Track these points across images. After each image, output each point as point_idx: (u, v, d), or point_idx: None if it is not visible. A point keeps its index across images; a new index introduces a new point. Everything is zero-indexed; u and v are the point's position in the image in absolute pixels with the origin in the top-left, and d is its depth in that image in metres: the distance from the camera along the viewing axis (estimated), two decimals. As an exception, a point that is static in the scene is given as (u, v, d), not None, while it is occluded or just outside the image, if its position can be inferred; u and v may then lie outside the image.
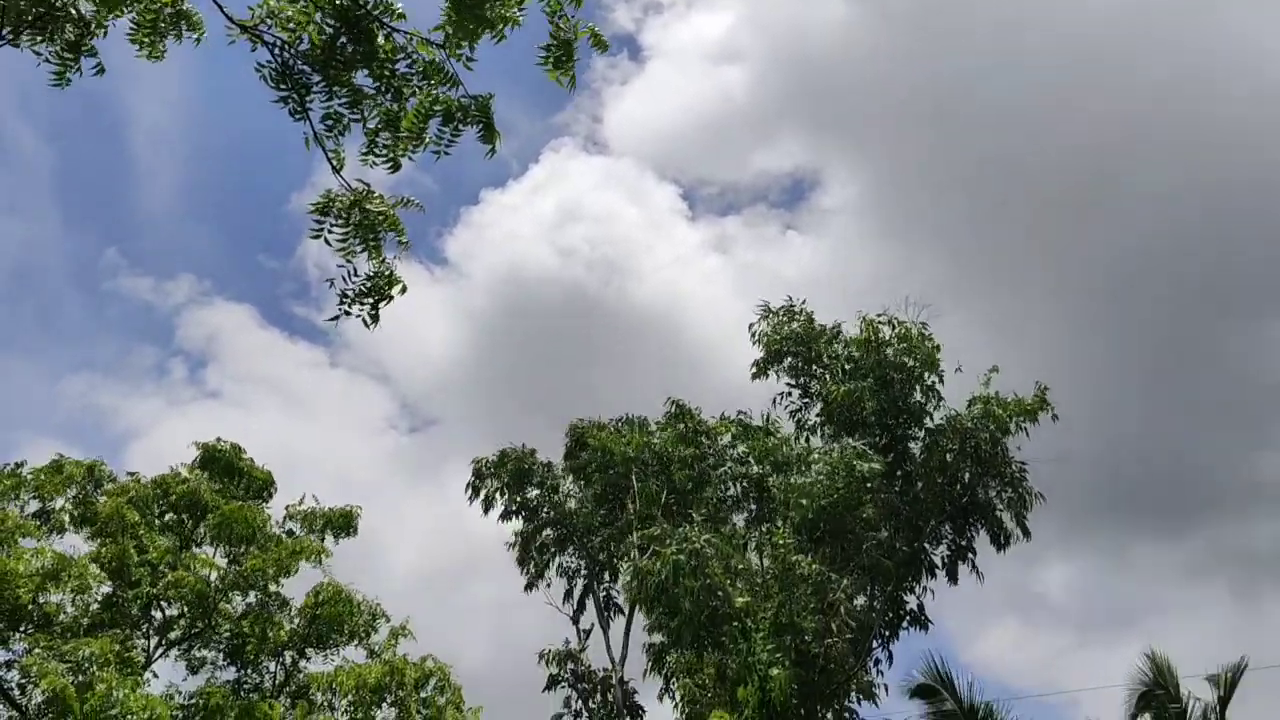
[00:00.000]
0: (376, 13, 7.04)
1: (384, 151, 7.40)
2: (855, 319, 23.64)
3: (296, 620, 24.77)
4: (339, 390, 66.77)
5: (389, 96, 7.23)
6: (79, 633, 20.82)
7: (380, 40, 7.09)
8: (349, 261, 7.41)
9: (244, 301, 74.31)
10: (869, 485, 21.62)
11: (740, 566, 21.28)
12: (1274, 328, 54.12)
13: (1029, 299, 55.64)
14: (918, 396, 22.85)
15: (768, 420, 25.57)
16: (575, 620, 28.04)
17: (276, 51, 7.15)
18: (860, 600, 21.78)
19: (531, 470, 28.17)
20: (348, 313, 7.54)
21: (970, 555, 22.60)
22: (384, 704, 22.47)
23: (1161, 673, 24.00)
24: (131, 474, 23.71)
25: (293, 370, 66.09)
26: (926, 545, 22.50)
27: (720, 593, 20.82)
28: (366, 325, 7.64)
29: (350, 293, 7.47)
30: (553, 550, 28.36)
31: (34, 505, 23.11)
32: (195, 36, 7.21)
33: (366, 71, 7.14)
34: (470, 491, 28.37)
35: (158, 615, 23.39)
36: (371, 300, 7.54)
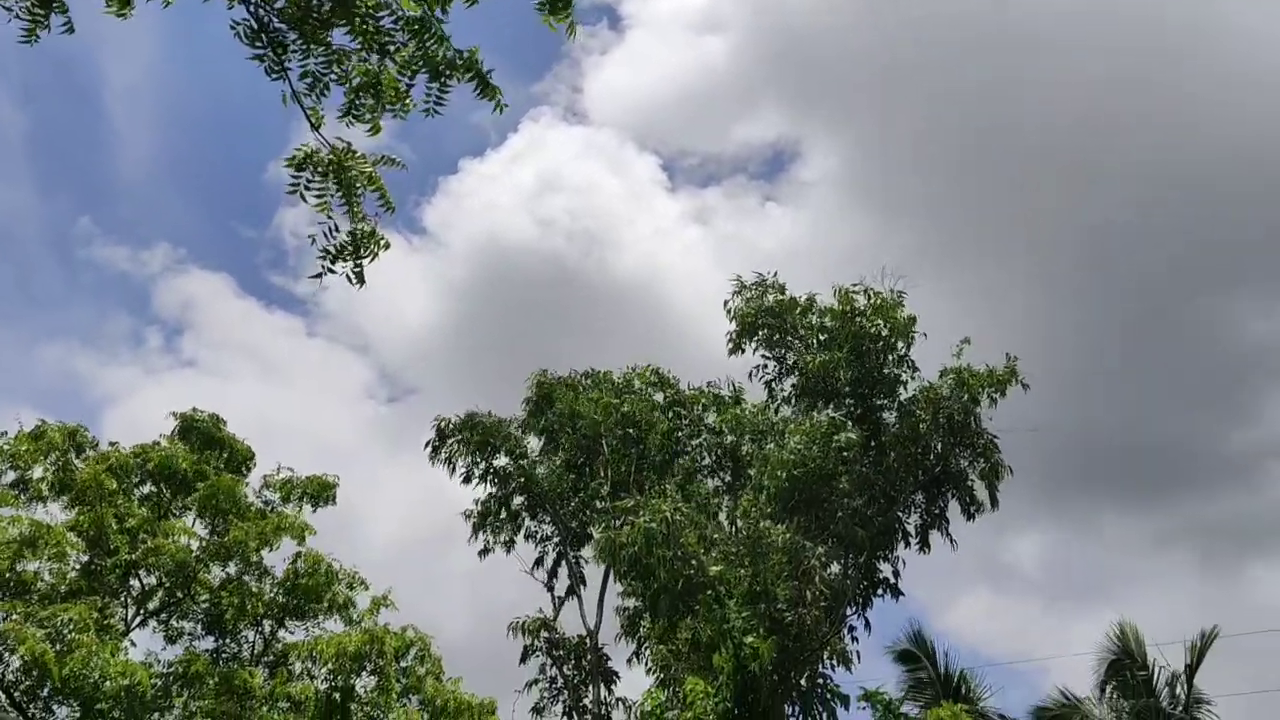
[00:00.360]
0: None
1: (364, 112, 7.25)
2: (831, 290, 23.85)
3: (276, 590, 24.89)
4: (317, 359, 66.73)
5: (373, 55, 7.07)
6: (56, 600, 20.87)
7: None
8: (329, 218, 7.28)
9: (220, 270, 74.09)
10: (845, 456, 21.88)
11: (716, 535, 21.49)
12: (1244, 303, 54.82)
13: (1006, 273, 56.13)
14: (892, 367, 23.10)
15: (736, 391, 25.84)
16: (550, 587, 28.15)
17: (252, 8, 7.00)
18: (834, 568, 22.05)
19: (502, 438, 27.94)
20: (331, 270, 7.41)
21: (943, 524, 22.93)
22: (364, 672, 22.61)
23: (1129, 641, 24.52)
24: (113, 444, 23.75)
25: (270, 339, 65.98)
26: (900, 514, 22.78)
27: (694, 561, 21.01)
28: (352, 283, 7.52)
29: (332, 249, 7.34)
30: (523, 516, 28.27)
31: (10, 476, 23.10)
32: (164, -8, 6.96)
33: (348, 28, 6.98)
34: (430, 450, 28.07)
35: (136, 584, 23.45)
36: (354, 257, 7.42)
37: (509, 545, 28.10)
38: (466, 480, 27.88)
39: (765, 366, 24.63)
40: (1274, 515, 52.77)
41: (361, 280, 7.52)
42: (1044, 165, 54.56)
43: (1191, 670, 23.76)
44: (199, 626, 24.70)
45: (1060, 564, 56.12)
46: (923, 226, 57.73)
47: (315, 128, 7.40)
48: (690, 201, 71.61)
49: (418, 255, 64.73)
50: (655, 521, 21.19)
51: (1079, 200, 54.05)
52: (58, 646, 19.05)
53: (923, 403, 22.36)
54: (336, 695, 22.34)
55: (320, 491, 25.05)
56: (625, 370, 28.93)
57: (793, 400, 23.90)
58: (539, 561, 28.39)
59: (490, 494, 28.12)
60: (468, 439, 27.71)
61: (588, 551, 27.03)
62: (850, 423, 22.45)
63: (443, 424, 28.16)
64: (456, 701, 24.03)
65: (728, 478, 25.22)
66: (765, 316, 24.24)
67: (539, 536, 28.51)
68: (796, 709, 21.62)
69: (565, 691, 26.37)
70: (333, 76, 7.21)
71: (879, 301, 23.01)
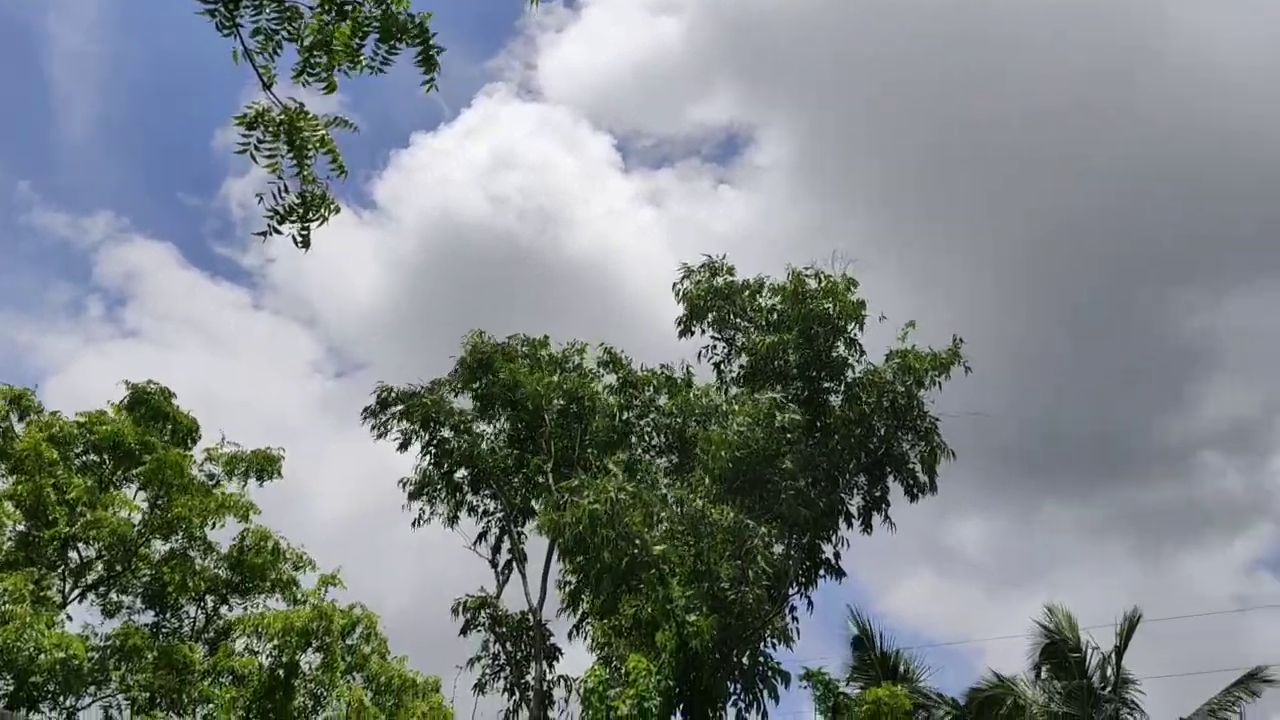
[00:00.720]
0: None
1: (318, 71, 7.11)
2: (785, 272, 24.07)
3: (220, 566, 24.75)
4: (264, 332, 65.91)
5: (330, 13, 6.99)
6: (-8, 571, 20.60)
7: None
8: (279, 179, 7.16)
9: (164, 240, 72.75)
10: (788, 436, 22.13)
11: (663, 514, 21.64)
12: (1186, 296, 56.16)
13: (957, 261, 56.89)
14: (840, 350, 23.39)
15: (688, 373, 26.01)
16: (494, 563, 27.98)
17: (204, -41, 6.83)
18: (778, 549, 22.29)
19: (446, 413, 27.77)
20: (277, 230, 7.28)
21: (884, 506, 23.29)
22: (309, 649, 22.59)
23: (1062, 625, 25.13)
24: (53, 413, 23.41)
25: (215, 311, 64.97)
26: (843, 496, 23.09)
27: (639, 541, 21.13)
28: (297, 245, 7.38)
29: (280, 210, 7.22)
30: (465, 490, 28.14)
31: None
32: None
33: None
34: (369, 417, 27.75)
35: (74, 556, 23.19)
36: (302, 220, 7.30)
37: (453, 520, 27.98)
38: (403, 447, 27.58)
39: (714, 348, 24.88)
40: (1207, 504, 54.28)
41: (307, 244, 7.41)
42: (996, 157, 55.47)
43: (1119, 652, 24.44)
44: (139, 601, 24.50)
45: (1002, 549, 57.36)
46: (875, 214, 58.28)
47: (267, 86, 7.28)
48: (644, 182, 71.65)
49: (368, 229, 64.19)
50: (600, 503, 21.25)
51: (1029, 192, 55.00)
52: (-8, 617, 18.85)
53: (867, 385, 22.67)
54: (280, 671, 22.29)
55: (265, 465, 24.92)
56: (565, 346, 28.93)
57: (740, 381, 24.11)
58: (482, 536, 28.23)
59: (430, 465, 27.90)
60: (409, 411, 27.54)
61: (531, 527, 26.99)
62: (792, 404, 22.65)
63: (384, 393, 27.92)
64: (401, 679, 24.09)
65: (676, 458, 25.37)
66: (714, 299, 24.47)
67: (481, 511, 28.36)
68: (738, 687, 21.87)
69: (508, 668, 26.43)
70: (285, 34, 7.14)
71: (829, 285, 23.29)
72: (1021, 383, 51.01)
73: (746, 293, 24.48)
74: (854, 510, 23.26)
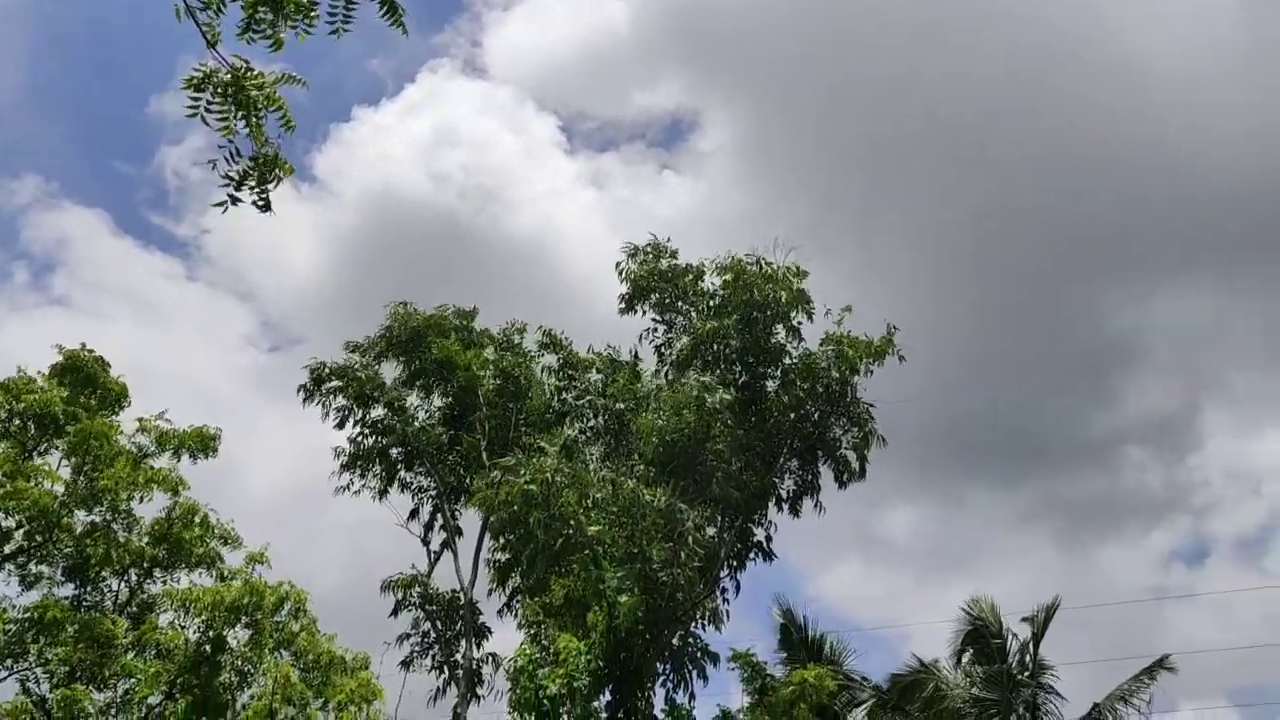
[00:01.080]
0: None
1: (265, 27, 6.93)
2: (726, 258, 24.25)
3: (145, 540, 24.32)
4: (197, 304, 64.85)
5: None
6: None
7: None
8: (230, 142, 7.02)
9: (95, 206, 70.96)
10: (721, 419, 22.35)
11: (599, 495, 21.73)
12: (1113, 292, 57.65)
13: (896, 252, 57.79)
14: (780, 336, 23.68)
15: (635, 357, 26.07)
16: (425, 541, 27.89)
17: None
18: (710, 531, 22.55)
19: (379, 389, 27.64)
20: (236, 197, 7.15)
21: (815, 491, 23.66)
22: (238, 625, 22.36)
23: (985, 612, 25.78)
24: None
25: (147, 281, 63.76)
26: (775, 480, 23.40)
27: (573, 522, 21.20)
28: (259, 209, 7.27)
29: (234, 175, 7.08)
30: (399, 466, 28.01)
31: None
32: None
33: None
34: (303, 394, 27.62)
35: (-7, 527, 22.64)
36: (260, 184, 7.16)
37: (383, 494, 27.83)
38: (340, 425, 27.52)
39: (655, 330, 25.04)
40: (1129, 496, 55.95)
41: (268, 207, 7.28)
42: (940, 151, 56.42)
43: (1037, 639, 25.13)
44: (59, 573, 23.98)
45: (929, 536, 58.59)
46: (818, 202, 58.99)
47: (211, 45, 6.98)
48: (587, 164, 71.68)
49: (306, 203, 63.36)
50: (535, 483, 21.25)
51: (970, 188, 56.03)
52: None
53: (802, 370, 22.99)
54: (207, 646, 22.05)
55: (202, 445, 24.54)
56: (505, 325, 28.88)
57: (681, 365, 24.26)
58: (414, 513, 28.16)
59: (362, 439, 27.77)
60: (344, 388, 27.33)
61: (464, 505, 26.92)
62: (722, 387, 22.85)
63: (317, 369, 27.68)
64: (329, 656, 23.96)
65: (612, 441, 25.48)
66: (657, 281, 24.62)
67: (415, 488, 28.25)
68: (668, 667, 22.11)
69: (437, 646, 26.37)
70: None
71: (770, 271, 23.54)
72: (953, 373, 52.15)
73: (689, 276, 24.66)
74: (785, 494, 23.61)
